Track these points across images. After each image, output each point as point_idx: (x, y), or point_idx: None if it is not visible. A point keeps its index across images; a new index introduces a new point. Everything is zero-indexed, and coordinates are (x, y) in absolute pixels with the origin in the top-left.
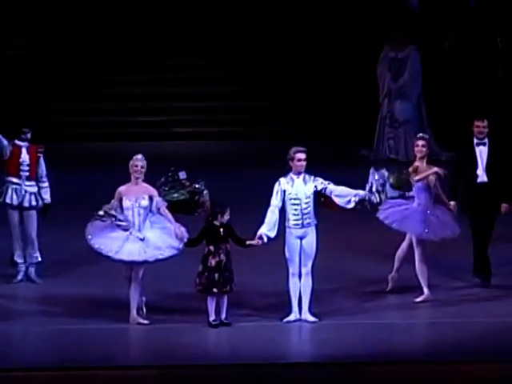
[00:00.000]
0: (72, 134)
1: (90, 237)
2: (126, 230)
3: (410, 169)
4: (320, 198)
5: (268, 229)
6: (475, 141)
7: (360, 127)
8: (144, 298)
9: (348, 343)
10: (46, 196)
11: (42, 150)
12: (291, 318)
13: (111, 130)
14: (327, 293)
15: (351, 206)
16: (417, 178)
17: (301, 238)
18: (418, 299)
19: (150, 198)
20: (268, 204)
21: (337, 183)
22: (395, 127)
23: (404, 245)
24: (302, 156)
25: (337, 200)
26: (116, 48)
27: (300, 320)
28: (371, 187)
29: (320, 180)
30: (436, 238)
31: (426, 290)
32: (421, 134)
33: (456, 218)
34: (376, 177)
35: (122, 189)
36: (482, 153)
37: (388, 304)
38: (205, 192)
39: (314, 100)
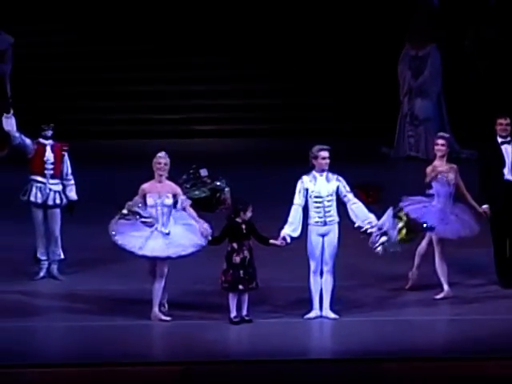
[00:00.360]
0: (94, 132)
1: (113, 233)
2: (151, 226)
3: (429, 168)
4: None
5: (291, 229)
6: (499, 140)
7: (381, 125)
8: (165, 295)
9: (368, 340)
10: (72, 194)
11: (67, 148)
12: (312, 314)
13: (133, 128)
14: (348, 290)
15: (356, 225)
16: (427, 179)
17: (323, 236)
18: (438, 296)
19: (174, 196)
20: (290, 202)
21: (357, 180)
22: (415, 125)
23: (424, 242)
24: (326, 154)
25: (350, 213)
26: (136, 46)
27: (321, 317)
28: (381, 229)
29: (343, 183)
30: (454, 237)
31: (446, 287)
32: (441, 133)
33: (476, 217)
34: (387, 224)
35: (145, 186)
36: (507, 151)
37: (408, 301)
38: (226, 189)
39: (335, 98)
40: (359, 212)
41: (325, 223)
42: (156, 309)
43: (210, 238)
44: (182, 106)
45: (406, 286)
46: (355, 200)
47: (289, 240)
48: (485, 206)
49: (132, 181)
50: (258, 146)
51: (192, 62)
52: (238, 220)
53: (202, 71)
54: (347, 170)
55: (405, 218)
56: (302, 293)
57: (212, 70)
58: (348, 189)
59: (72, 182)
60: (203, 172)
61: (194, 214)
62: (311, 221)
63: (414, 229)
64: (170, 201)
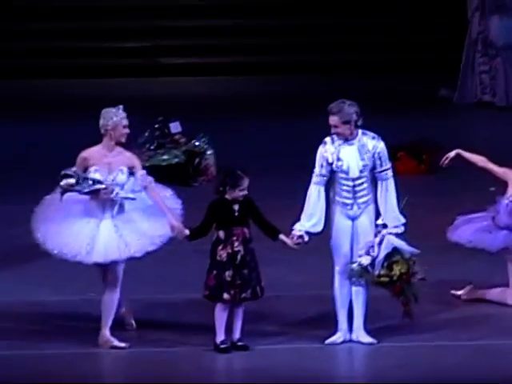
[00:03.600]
0: (15, 68)
1: (41, 239)
2: (112, 192)
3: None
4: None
5: (311, 223)
6: None
7: (439, 56)
8: (130, 308)
9: (420, 372)
10: None
11: None
12: (337, 338)
13: (71, 62)
14: (385, 302)
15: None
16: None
17: (353, 219)
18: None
19: (130, 171)
20: (301, 168)
21: (406, 136)
22: (490, 56)
23: None
24: (331, 121)
25: (378, 199)
26: None
27: (350, 341)
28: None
29: (382, 151)
30: None
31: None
32: None
33: None
34: (382, 251)
35: (87, 154)
36: None
37: (471, 315)
38: (208, 152)
39: (370, 16)
40: (389, 208)
41: (356, 205)
42: (107, 331)
43: (185, 233)
44: (146, 29)
45: (462, 295)
46: (391, 186)
47: (307, 239)
48: None
49: (71, 138)
50: (255, 88)
51: None
52: (228, 197)
53: None
54: (391, 121)
55: (399, 270)
56: (322, 305)
57: None
58: (387, 164)
59: None
60: (174, 127)
61: (158, 198)
62: (337, 198)
63: (404, 281)
64: (124, 177)
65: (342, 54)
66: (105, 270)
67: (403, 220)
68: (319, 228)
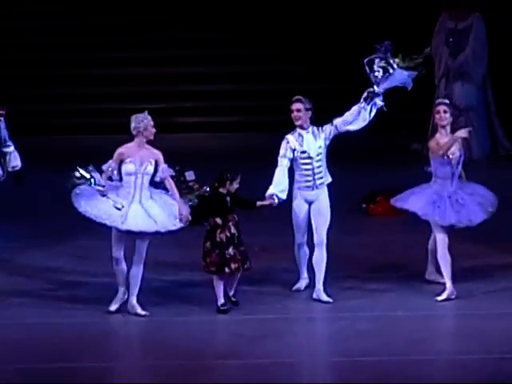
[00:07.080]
0: (45, 126)
1: (83, 210)
2: (102, 195)
3: (432, 143)
4: (361, 203)
5: (279, 189)
6: None
7: (410, 116)
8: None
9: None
10: (16, 162)
11: (3, 113)
12: (300, 285)
13: (96, 121)
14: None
15: (363, 114)
16: (441, 151)
17: (310, 203)
18: (440, 298)
19: (156, 164)
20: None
21: (382, 184)
22: (455, 115)
23: (432, 235)
24: (296, 106)
25: (352, 127)
26: (104, 18)
27: (307, 287)
28: (374, 69)
29: (326, 126)
30: (444, 223)
31: (449, 285)
32: (440, 100)
33: (487, 209)
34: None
35: (123, 150)
36: None
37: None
38: None
39: (349, 82)
40: (352, 111)
41: (315, 186)
42: (134, 299)
43: (190, 220)
44: (162, 92)
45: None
46: (341, 117)
47: (276, 201)
48: None
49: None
50: (260, 143)
51: (179, 38)
52: (222, 191)
53: (187, 49)
54: (369, 172)
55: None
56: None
57: (207, 47)
58: (333, 122)
59: (12, 148)
60: (189, 175)
61: (174, 189)
62: (299, 185)
63: (411, 57)
64: (151, 168)
65: (329, 113)
66: (122, 246)
67: None
68: (284, 195)
